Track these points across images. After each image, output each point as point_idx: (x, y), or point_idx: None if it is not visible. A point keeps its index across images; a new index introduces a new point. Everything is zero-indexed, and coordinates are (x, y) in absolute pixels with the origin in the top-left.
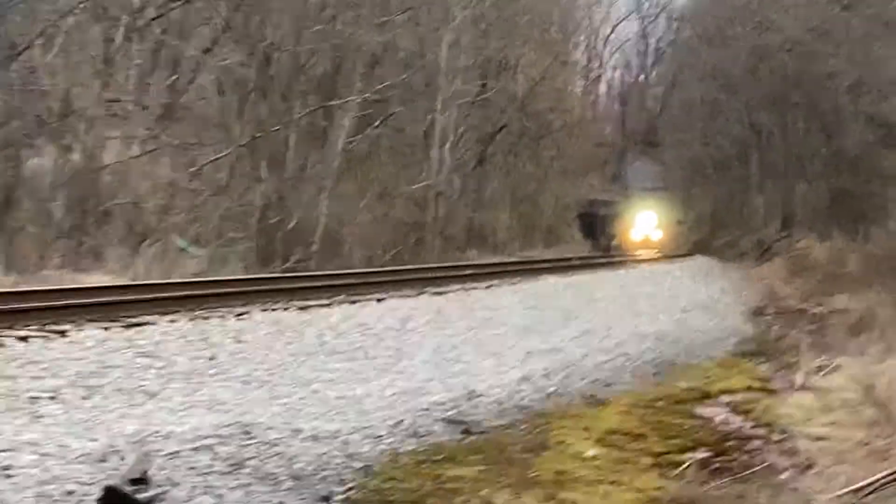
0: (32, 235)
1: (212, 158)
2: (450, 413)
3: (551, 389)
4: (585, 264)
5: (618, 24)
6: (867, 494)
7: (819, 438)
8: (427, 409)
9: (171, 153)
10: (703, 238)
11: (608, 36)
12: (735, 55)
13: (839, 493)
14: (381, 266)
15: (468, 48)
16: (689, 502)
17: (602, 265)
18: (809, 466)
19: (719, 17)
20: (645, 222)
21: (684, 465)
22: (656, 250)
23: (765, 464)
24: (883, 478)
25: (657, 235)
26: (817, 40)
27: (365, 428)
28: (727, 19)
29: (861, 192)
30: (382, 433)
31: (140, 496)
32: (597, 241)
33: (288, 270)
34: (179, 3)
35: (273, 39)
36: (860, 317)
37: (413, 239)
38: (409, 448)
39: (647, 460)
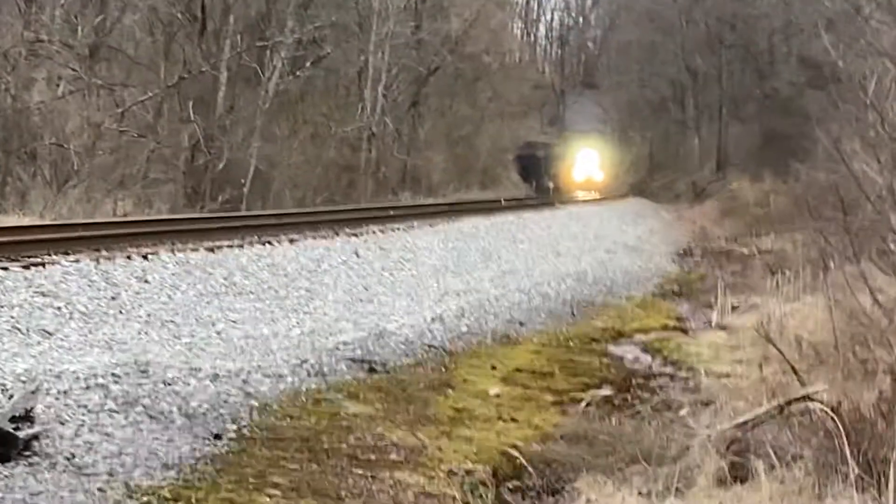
0: None
1: (138, 99)
2: (357, 352)
3: (463, 329)
4: (513, 206)
5: None
6: (752, 428)
7: (722, 375)
8: (334, 349)
9: (98, 94)
10: (639, 180)
11: None
12: None
13: (723, 427)
14: (312, 208)
15: None
16: (579, 437)
17: (530, 206)
18: (709, 403)
19: None
20: (586, 162)
21: (585, 402)
22: (596, 192)
23: (664, 400)
24: (764, 412)
25: (599, 176)
26: None
27: (267, 367)
28: None
29: (791, 133)
30: (285, 372)
31: (21, 433)
32: (535, 184)
33: (214, 211)
34: None
35: None
36: (780, 256)
37: (345, 181)
38: (312, 387)
39: (550, 398)
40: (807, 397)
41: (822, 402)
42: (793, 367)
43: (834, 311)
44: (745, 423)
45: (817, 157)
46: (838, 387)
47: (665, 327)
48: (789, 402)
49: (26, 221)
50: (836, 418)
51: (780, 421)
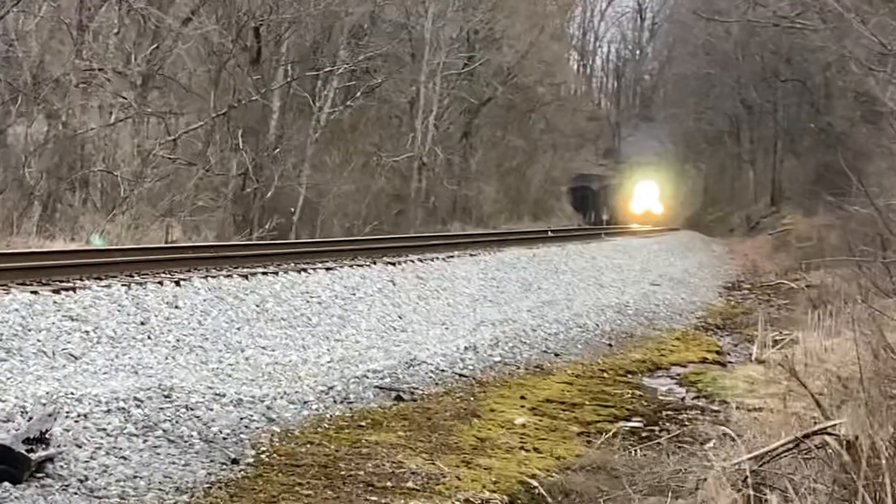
0: (7, 202)
1: (187, 128)
2: (385, 380)
3: (496, 359)
4: (559, 237)
5: None
6: (765, 462)
7: (754, 409)
8: (362, 377)
9: (149, 122)
10: (693, 213)
11: (605, 10)
12: (727, 31)
13: (739, 459)
14: (362, 236)
15: (454, 19)
16: (600, 468)
17: (576, 238)
18: (737, 436)
19: None
20: (645, 194)
21: (609, 434)
22: (654, 225)
23: (691, 432)
24: (781, 445)
25: (658, 209)
26: (805, 15)
27: (293, 393)
28: None
29: (844, 167)
30: (310, 399)
31: (34, 455)
32: (589, 216)
33: (261, 239)
34: None
35: (250, 9)
36: (825, 291)
37: (395, 210)
38: (336, 414)
39: (576, 429)
40: (824, 431)
41: (839, 436)
42: (817, 401)
43: (860, 345)
44: (762, 455)
45: (870, 192)
46: (859, 421)
47: (703, 360)
48: (807, 436)
49: (73, 246)
50: (851, 452)
51: (798, 454)
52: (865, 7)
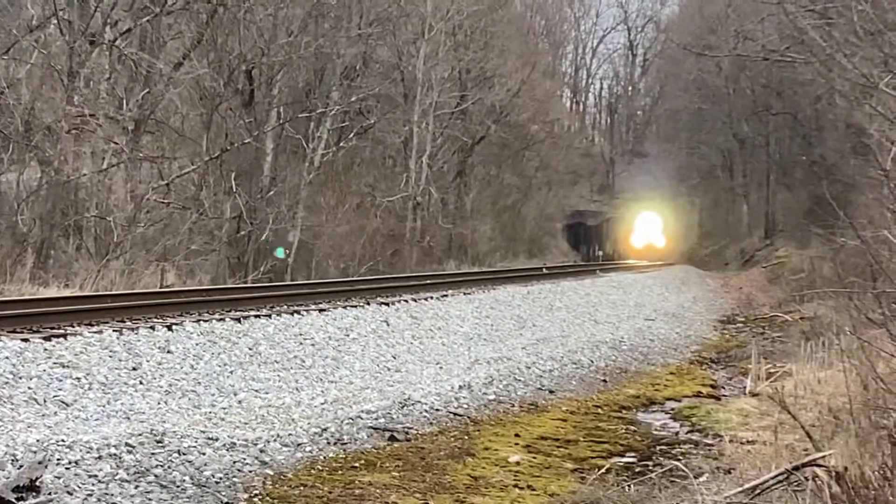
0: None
1: (180, 173)
2: (379, 421)
3: (491, 397)
4: (554, 274)
5: (605, 35)
6: (756, 494)
7: (747, 442)
8: (356, 417)
9: (141, 166)
10: (688, 248)
11: (596, 47)
12: (717, 65)
13: (730, 493)
14: (358, 277)
15: (445, 59)
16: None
17: (571, 274)
18: (730, 469)
19: (701, 27)
20: (647, 227)
21: (603, 470)
22: (658, 259)
23: (685, 467)
24: (772, 478)
25: (661, 242)
26: (793, 49)
27: (287, 436)
28: (709, 29)
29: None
30: (304, 441)
31: (23, 503)
32: (584, 252)
33: (256, 282)
34: (148, 18)
35: (242, 52)
36: (817, 323)
37: (390, 251)
38: (329, 455)
39: (571, 465)
40: (814, 462)
41: (829, 468)
42: (808, 433)
43: (850, 376)
44: (754, 488)
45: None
46: (849, 452)
47: (697, 394)
48: (797, 468)
49: (66, 293)
50: (841, 483)
51: (789, 486)
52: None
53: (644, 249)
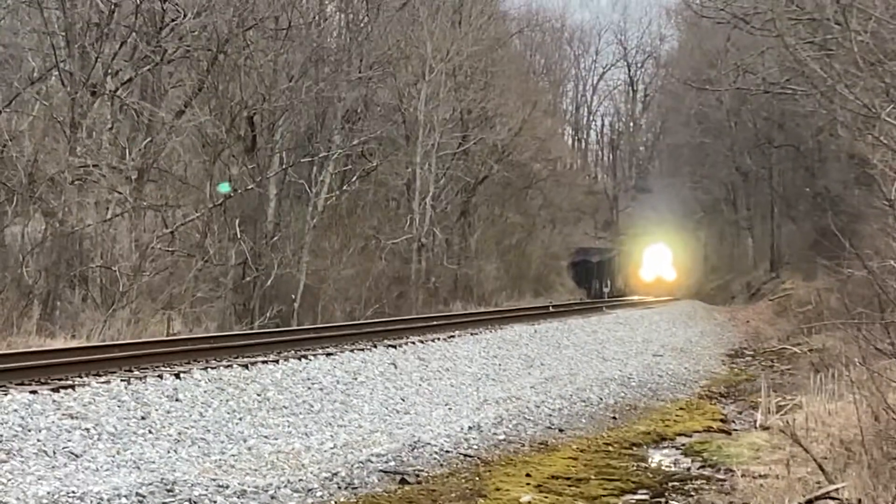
0: (6, 302)
1: (184, 220)
2: (390, 464)
3: (501, 437)
4: (560, 312)
5: (605, 72)
6: None
7: (759, 476)
8: (366, 461)
9: (145, 215)
10: (695, 282)
11: (597, 84)
12: (718, 99)
13: None
14: (364, 320)
15: (446, 100)
16: None
17: (577, 312)
18: None
19: (701, 62)
20: (656, 259)
21: None
22: (659, 295)
23: (698, 503)
24: None
25: (671, 275)
26: (794, 81)
27: (297, 482)
28: (709, 63)
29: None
30: (315, 486)
31: None
32: (590, 289)
33: (263, 328)
34: (149, 67)
35: (243, 98)
36: (826, 355)
37: (395, 293)
38: (341, 500)
39: None
40: (827, 495)
41: (842, 500)
42: (820, 466)
43: (861, 408)
44: None
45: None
46: (862, 483)
47: (708, 429)
48: (810, 501)
49: (73, 344)
50: None
51: None
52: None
53: (654, 283)
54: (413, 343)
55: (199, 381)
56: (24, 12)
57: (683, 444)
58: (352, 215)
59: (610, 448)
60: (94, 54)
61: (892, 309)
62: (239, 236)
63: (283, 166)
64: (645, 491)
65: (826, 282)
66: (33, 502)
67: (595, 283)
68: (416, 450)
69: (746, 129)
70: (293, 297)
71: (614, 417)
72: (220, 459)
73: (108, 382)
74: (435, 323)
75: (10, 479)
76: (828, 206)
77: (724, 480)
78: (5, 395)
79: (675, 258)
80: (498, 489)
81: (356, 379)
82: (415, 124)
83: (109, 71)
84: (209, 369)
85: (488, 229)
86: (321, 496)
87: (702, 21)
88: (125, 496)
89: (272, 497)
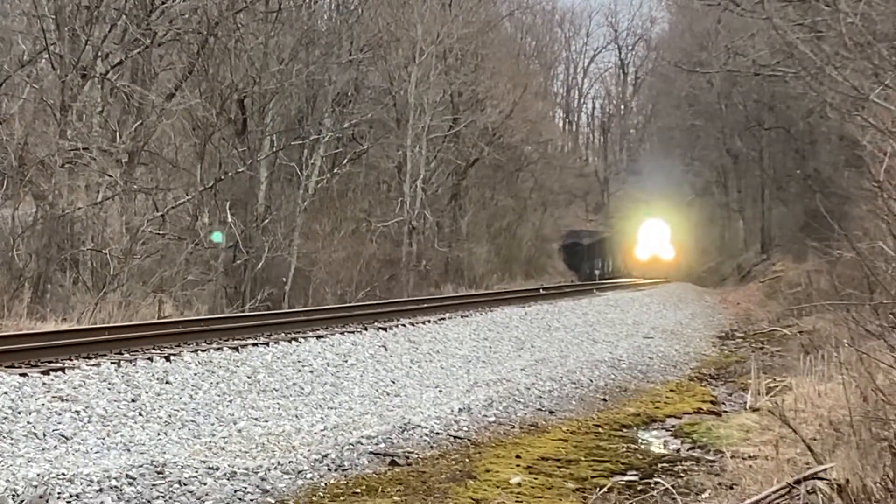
0: None
1: (175, 203)
2: (380, 446)
3: (491, 419)
4: (551, 295)
5: (596, 55)
6: None
7: (749, 458)
8: (356, 443)
9: (136, 198)
10: (686, 264)
11: (587, 66)
12: (709, 82)
13: None
14: (355, 302)
15: (437, 83)
16: None
17: (568, 295)
18: (732, 485)
19: (692, 44)
20: (652, 237)
21: (605, 489)
22: (664, 276)
23: (686, 484)
24: (773, 493)
25: (668, 253)
26: (784, 63)
27: (287, 463)
28: (699, 46)
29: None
30: (305, 468)
31: None
32: (581, 271)
33: (254, 310)
34: (139, 50)
35: (234, 82)
36: (816, 336)
37: (386, 275)
38: (331, 482)
39: (572, 485)
40: (816, 476)
41: (830, 480)
42: (809, 447)
43: (850, 388)
44: (755, 503)
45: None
46: (850, 464)
47: (698, 411)
48: (799, 481)
49: (64, 327)
50: (843, 496)
51: (791, 500)
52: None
53: (649, 263)
54: (403, 325)
55: (190, 363)
56: None
57: (673, 426)
58: (343, 198)
59: (600, 430)
60: (85, 37)
61: (880, 290)
62: (230, 219)
63: (274, 149)
64: (634, 472)
65: (816, 264)
66: (23, 484)
67: (586, 266)
68: (406, 432)
69: (737, 111)
70: (284, 279)
71: (604, 399)
72: (210, 441)
73: (98, 365)
74: (426, 305)
75: None
76: (818, 188)
77: (714, 462)
78: None
79: (674, 235)
80: (488, 470)
81: (346, 361)
82: (405, 107)
83: (100, 54)
84: (199, 352)
85: (479, 212)
86: (311, 478)
87: (692, 3)
88: (115, 478)
89: (262, 479)
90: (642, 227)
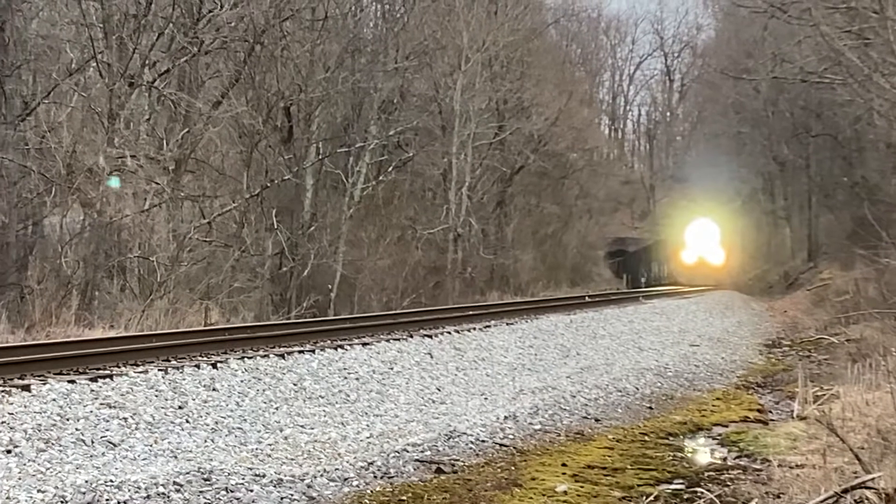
0: (45, 292)
1: (221, 211)
2: (425, 453)
3: (537, 427)
4: (596, 302)
5: (642, 62)
6: None
7: (796, 466)
8: (402, 451)
9: (182, 206)
10: (735, 269)
11: (633, 73)
12: (755, 89)
13: None
14: (400, 310)
15: (482, 90)
16: None
17: (613, 302)
18: (779, 494)
19: (738, 51)
20: (700, 238)
21: (651, 497)
22: (714, 282)
23: (733, 492)
24: (821, 501)
25: (718, 257)
26: (831, 70)
27: (333, 471)
28: (746, 53)
29: (880, 220)
30: (351, 475)
31: None
32: (627, 279)
33: (300, 318)
34: (186, 58)
35: (280, 89)
36: (864, 344)
37: (432, 283)
38: (377, 489)
39: (618, 494)
40: (863, 485)
41: (878, 489)
42: (856, 456)
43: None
44: None
45: None
46: None
47: (744, 419)
48: (846, 490)
49: (112, 334)
50: None
51: None
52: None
53: (696, 267)
54: (449, 333)
55: (236, 370)
56: (63, 4)
57: (720, 434)
58: (388, 205)
59: (646, 438)
60: (132, 45)
61: None
62: (276, 227)
63: (320, 157)
64: (681, 481)
65: (864, 271)
66: (71, 491)
67: (632, 274)
68: (451, 439)
69: (783, 118)
70: (330, 287)
71: (650, 407)
72: (256, 449)
73: (145, 372)
74: (471, 313)
75: (48, 468)
76: (865, 196)
77: (761, 470)
78: (44, 384)
79: (724, 237)
80: (534, 478)
81: (392, 369)
82: (451, 114)
83: (147, 62)
84: (246, 359)
85: (524, 219)
86: (357, 485)
87: (739, 10)
88: (162, 485)
89: (308, 486)
90: (689, 227)
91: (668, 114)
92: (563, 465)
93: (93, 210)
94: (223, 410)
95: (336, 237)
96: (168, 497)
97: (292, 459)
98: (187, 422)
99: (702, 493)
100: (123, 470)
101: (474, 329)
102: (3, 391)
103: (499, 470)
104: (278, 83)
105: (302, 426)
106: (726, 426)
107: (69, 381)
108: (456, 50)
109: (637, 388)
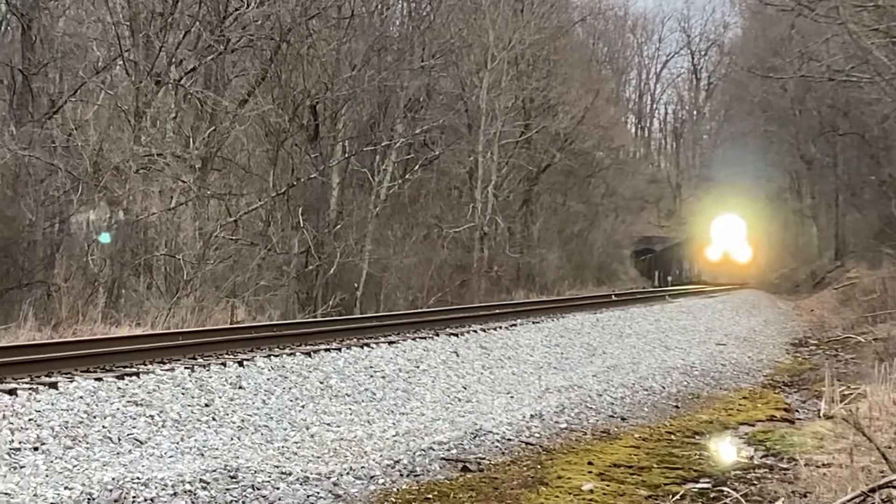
0: (72, 290)
1: (248, 209)
2: (452, 451)
3: (563, 425)
4: (622, 301)
5: (669, 60)
6: None
7: (823, 465)
8: (428, 449)
9: (209, 204)
10: (759, 270)
11: (660, 72)
12: (782, 87)
13: None
14: (426, 308)
15: (509, 89)
16: None
17: (640, 301)
18: (805, 494)
19: (765, 49)
20: (727, 234)
21: (678, 496)
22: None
23: (760, 492)
24: (847, 501)
25: (745, 254)
26: (858, 68)
27: (359, 469)
28: (773, 51)
29: None
30: (377, 473)
31: None
32: (654, 278)
33: (326, 316)
34: (212, 56)
35: (306, 87)
36: (891, 343)
37: (458, 281)
38: (403, 487)
39: (644, 492)
40: (890, 484)
41: None
42: (883, 455)
43: None
44: None
45: None
46: None
47: (771, 418)
48: (873, 490)
49: (138, 332)
50: None
51: None
52: None
53: (721, 264)
54: (475, 331)
55: (263, 368)
56: (89, 2)
57: (746, 433)
58: (414, 204)
59: (672, 437)
60: (159, 44)
61: None
62: (302, 225)
63: (346, 155)
64: (707, 479)
65: (891, 270)
66: (98, 488)
67: (658, 272)
68: (477, 438)
69: (811, 116)
70: (356, 285)
71: (677, 406)
72: (282, 446)
73: (172, 370)
74: (497, 311)
75: (75, 465)
76: (893, 194)
77: (787, 469)
78: (71, 382)
79: (751, 233)
80: (560, 477)
81: (418, 367)
82: (477, 113)
83: (173, 60)
84: (272, 357)
85: (551, 218)
86: (383, 483)
87: (766, 8)
88: (189, 482)
89: (335, 484)
90: (715, 223)
91: (695, 112)
92: (590, 463)
93: (119, 208)
94: (249, 408)
95: (362, 235)
96: (195, 494)
97: (318, 457)
98: (214, 419)
99: (728, 492)
100: (150, 467)
101: (500, 328)
102: (30, 389)
103: (525, 468)
104: (304, 81)
105: (328, 424)
106: (753, 425)
107: (96, 379)
108: (482, 48)
109: (663, 387)
